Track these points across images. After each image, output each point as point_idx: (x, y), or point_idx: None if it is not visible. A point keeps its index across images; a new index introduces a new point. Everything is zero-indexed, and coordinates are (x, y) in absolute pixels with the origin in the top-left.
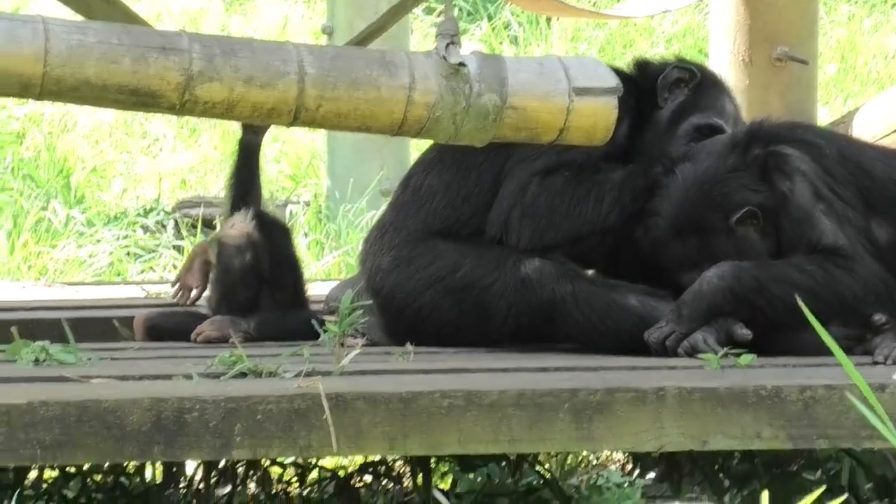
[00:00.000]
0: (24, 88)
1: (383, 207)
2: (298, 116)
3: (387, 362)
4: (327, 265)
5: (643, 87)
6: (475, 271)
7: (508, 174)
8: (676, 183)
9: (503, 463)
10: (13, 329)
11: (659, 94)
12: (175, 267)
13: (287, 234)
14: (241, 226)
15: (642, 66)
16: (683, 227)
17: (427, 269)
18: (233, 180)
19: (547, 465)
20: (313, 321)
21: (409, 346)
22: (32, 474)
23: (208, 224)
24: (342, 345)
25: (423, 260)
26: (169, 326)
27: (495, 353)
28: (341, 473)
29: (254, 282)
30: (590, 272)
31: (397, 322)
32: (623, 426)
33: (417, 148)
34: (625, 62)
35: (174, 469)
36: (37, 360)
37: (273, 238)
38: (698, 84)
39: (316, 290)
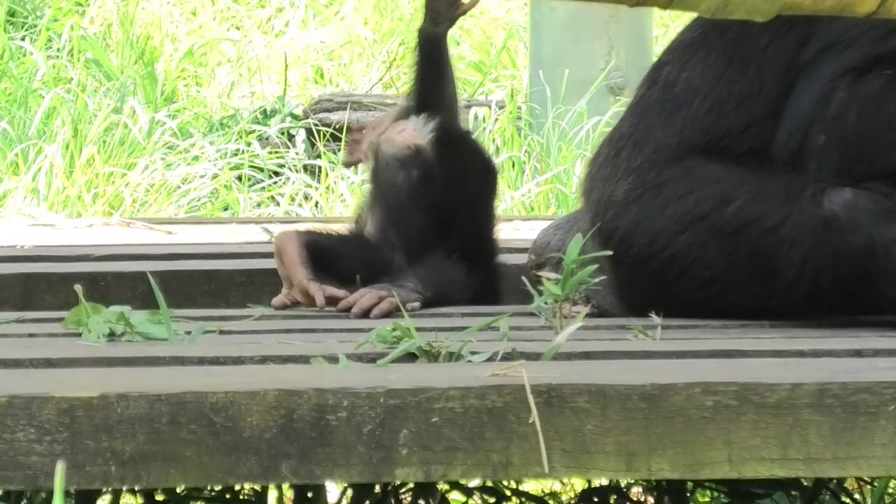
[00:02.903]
0: None
1: (615, 111)
2: None
3: (622, 340)
4: (529, 196)
5: None
6: (754, 206)
7: (805, 69)
8: None
9: (793, 491)
10: (77, 288)
11: None
12: (307, 198)
13: (480, 161)
14: (411, 132)
15: None
16: None
17: (683, 201)
18: (414, 85)
19: (857, 496)
20: (524, 279)
21: (654, 317)
22: (103, 502)
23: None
24: (563, 315)
25: (678, 188)
26: (332, 246)
27: (782, 326)
28: (550, 503)
29: (424, 211)
30: None
31: (637, 279)
32: None
33: (663, 23)
34: None
35: (310, 495)
36: (112, 334)
37: (455, 162)
38: None
39: (515, 232)
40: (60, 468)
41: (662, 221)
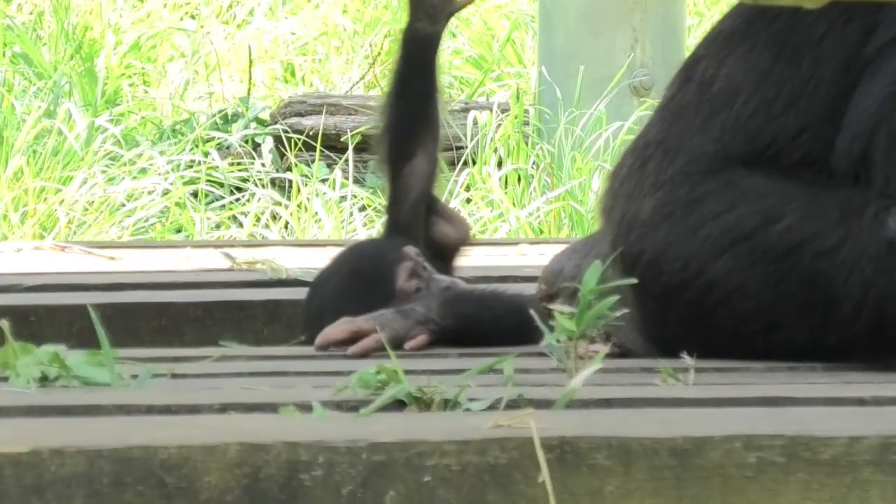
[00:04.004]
0: None
1: (640, 115)
2: None
3: (649, 385)
4: (538, 216)
5: None
6: (805, 225)
7: (869, 65)
8: None
9: None
10: (3, 323)
11: None
12: (276, 218)
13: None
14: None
15: None
16: None
17: (721, 219)
18: (392, 100)
19: None
20: (532, 313)
21: (686, 357)
22: None
23: (333, 142)
24: (579, 356)
25: (715, 205)
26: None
27: (838, 370)
28: None
29: None
30: None
31: (666, 311)
32: None
33: (697, 11)
34: None
35: None
36: (44, 378)
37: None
38: None
39: (521, 258)
40: None
41: (697, 243)
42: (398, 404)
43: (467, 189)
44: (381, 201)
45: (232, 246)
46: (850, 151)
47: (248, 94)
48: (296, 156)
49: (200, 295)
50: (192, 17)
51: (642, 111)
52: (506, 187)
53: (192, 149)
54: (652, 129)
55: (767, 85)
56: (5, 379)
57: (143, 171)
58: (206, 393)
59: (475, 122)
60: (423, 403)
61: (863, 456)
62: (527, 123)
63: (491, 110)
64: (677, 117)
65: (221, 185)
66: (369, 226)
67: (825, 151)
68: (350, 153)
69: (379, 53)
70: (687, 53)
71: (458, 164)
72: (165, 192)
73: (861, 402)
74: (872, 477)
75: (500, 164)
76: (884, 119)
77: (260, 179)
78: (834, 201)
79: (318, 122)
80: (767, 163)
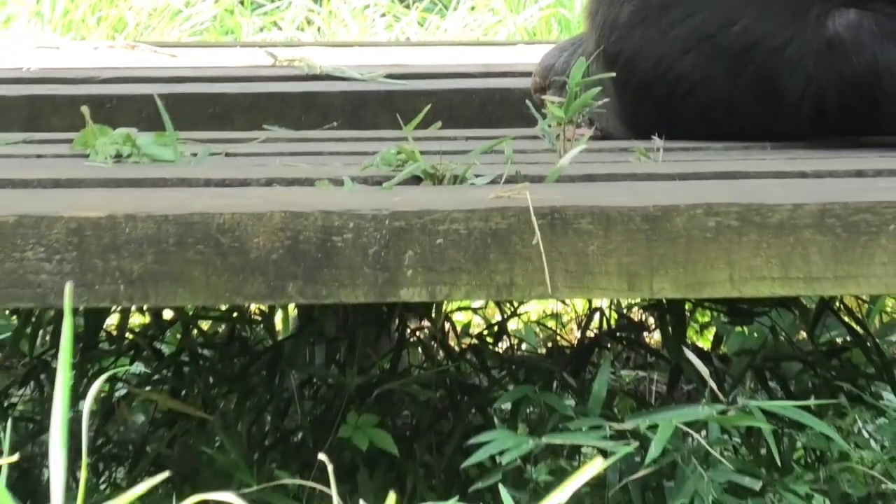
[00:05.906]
0: None
1: None
2: None
3: (625, 163)
4: (531, 19)
5: None
6: (759, 26)
7: None
8: None
9: (795, 311)
10: (84, 109)
11: None
12: (310, 23)
13: None
14: None
15: None
16: None
17: (688, 21)
18: None
19: (858, 315)
20: (527, 102)
21: (656, 140)
22: (112, 320)
23: None
24: (567, 138)
25: (683, 9)
26: None
27: (785, 149)
28: (551, 324)
29: None
30: None
31: (641, 102)
32: None
33: None
34: None
35: (315, 315)
36: (119, 156)
37: None
38: None
39: (518, 56)
40: (69, 288)
41: (667, 43)
42: (415, 179)
43: None
44: (399, 9)
45: (274, 46)
46: None
47: None
48: None
49: (248, 87)
50: None
51: None
52: None
53: None
54: None
55: None
56: (86, 156)
57: None
58: (255, 169)
59: None
60: (436, 178)
61: (804, 220)
62: None
63: None
64: None
65: None
66: (389, 29)
67: None
68: None
69: None
70: None
71: None
72: (216, 0)
73: (803, 174)
74: (812, 237)
75: None
76: None
77: None
78: (784, 5)
79: None
80: None
